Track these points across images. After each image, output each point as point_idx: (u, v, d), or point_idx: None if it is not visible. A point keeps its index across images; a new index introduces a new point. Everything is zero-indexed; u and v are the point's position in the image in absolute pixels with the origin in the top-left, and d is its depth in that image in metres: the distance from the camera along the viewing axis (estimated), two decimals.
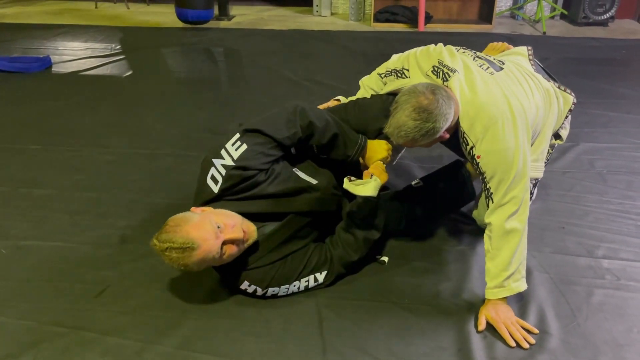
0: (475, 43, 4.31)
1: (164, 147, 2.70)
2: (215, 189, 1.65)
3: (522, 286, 1.61)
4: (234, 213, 1.62)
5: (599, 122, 2.91)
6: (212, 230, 1.51)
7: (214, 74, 3.84)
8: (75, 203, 2.24)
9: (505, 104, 1.59)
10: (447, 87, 1.64)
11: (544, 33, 4.69)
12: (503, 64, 1.75)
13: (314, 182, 1.76)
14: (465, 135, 1.61)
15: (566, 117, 1.87)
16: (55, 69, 3.87)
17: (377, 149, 1.81)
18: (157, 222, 2.06)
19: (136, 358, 1.53)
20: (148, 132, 2.87)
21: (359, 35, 4.71)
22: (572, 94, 1.85)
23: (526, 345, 1.52)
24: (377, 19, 5.05)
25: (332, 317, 1.65)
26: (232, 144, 1.66)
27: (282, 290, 1.71)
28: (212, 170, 1.65)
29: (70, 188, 2.34)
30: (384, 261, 1.87)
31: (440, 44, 1.81)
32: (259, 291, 1.68)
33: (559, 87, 1.84)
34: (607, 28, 4.88)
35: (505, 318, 1.58)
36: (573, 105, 1.85)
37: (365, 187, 1.67)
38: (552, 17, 5.14)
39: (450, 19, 5.13)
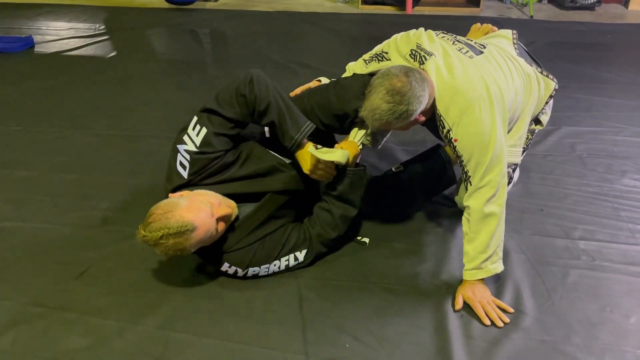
0: (462, 26, 4.29)
1: (147, 129, 2.68)
2: (185, 174, 1.66)
3: (499, 268, 1.64)
4: (213, 192, 1.64)
5: (582, 106, 2.93)
6: (206, 209, 1.52)
7: (199, 56, 3.80)
8: (56, 185, 2.23)
9: (482, 87, 1.59)
10: (422, 69, 1.64)
11: (531, 17, 4.68)
12: (484, 47, 1.75)
13: (287, 160, 1.77)
14: (442, 118, 1.62)
15: (547, 102, 1.85)
16: (37, 49, 3.81)
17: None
18: (139, 203, 2.08)
19: (117, 338, 1.54)
20: (131, 114, 2.84)
21: (347, 18, 4.67)
22: (554, 79, 1.83)
23: (500, 324, 1.56)
24: (365, 0, 5.01)
25: (312, 297, 1.67)
26: (193, 129, 1.67)
27: (263, 270, 1.72)
28: (179, 157, 1.67)
29: (52, 170, 2.33)
30: (365, 242, 1.88)
31: (421, 29, 1.80)
32: (240, 272, 1.70)
33: (541, 72, 1.82)
34: (594, 12, 4.89)
35: (481, 298, 1.61)
36: (554, 91, 1.83)
37: (332, 154, 1.67)
38: (540, 1, 5.13)
39: (439, 2, 5.10)
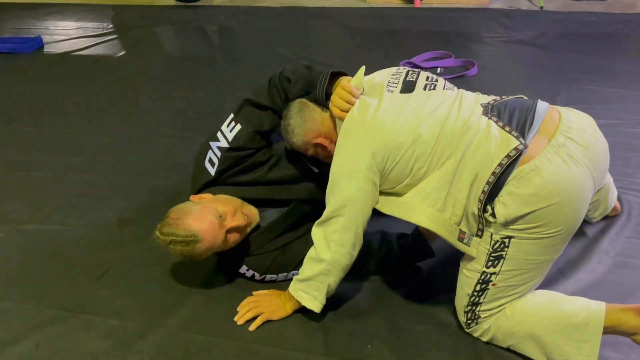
0: (471, 19, 4.29)
1: (160, 128, 2.68)
2: (212, 171, 1.65)
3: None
4: (233, 197, 1.63)
5: (596, 98, 2.89)
6: (214, 220, 1.51)
7: (208, 53, 3.79)
8: (72, 186, 2.23)
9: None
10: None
11: (541, 7, 4.63)
12: (433, 87, 1.53)
13: (316, 170, 1.75)
14: None
15: (502, 173, 1.33)
16: (47, 49, 3.81)
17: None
18: (156, 204, 2.09)
19: (139, 340, 1.54)
20: (143, 113, 2.84)
21: (355, 12, 4.64)
22: (521, 139, 1.33)
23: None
24: None
25: (333, 297, 1.64)
26: (227, 125, 1.67)
27: (280, 277, 1.72)
28: (210, 153, 1.66)
29: (67, 170, 2.33)
30: None
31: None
32: (257, 276, 1.70)
33: (502, 128, 1.38)
34: (604, 2, 4.82)
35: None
36: (515, 152, 1.31)
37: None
38: None
39: None
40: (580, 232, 1.88)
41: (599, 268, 1.75)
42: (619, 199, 2.00)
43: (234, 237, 1.57)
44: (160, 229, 1.51)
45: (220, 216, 1.53)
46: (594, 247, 1.84)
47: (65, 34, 4.09)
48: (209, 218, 1.51)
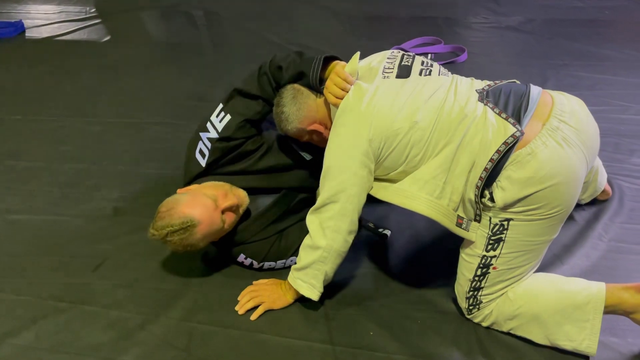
0: (459, 4, 4.28)
1: (150, 116, 2.64)
2: (203, 162, 1.65)
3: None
4: (221, 182, 1.63)
5: (585, 84, 2.92)
6: (208, 202, 1.50)
7: (195, 38, 3.72)
8: (64, 175, 2.19)
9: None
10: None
11: None
12: (429, 72, 1.53)
13: (308, 157, 1.75)
14: None
15: (500, 160, 1.34)
16: (28, 34, 3.71)
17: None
18: (150, 193, 2.06)
19: (140, 331, 1.53)
20: (133, 101, 2.79)
21: None
22: (518, 126, 1.35)
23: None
24: None
25: (334, 284, 1.65)
26: (217, 116, 1.66)
27: (279, 264, 1.72)
28: (200, 144, 1.65)
29: (57, 159, 2.29)
30: (386, 234, 1.86)
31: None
32: (255, 264, 1.69)
33: (499, 115, 1.39)
34: None
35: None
36: (513, 139, 1.33)
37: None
38: None
39: None
40: (574, 218, 1.92)
41: (593, 253, 1.78)
42: (610, 184, 2.04)
43: (230, 218, 1.56)
44: (154, 225, 1.49)
45: (215, 197, 1.52)
46: (588, 232, 1.87)
47: (47, 18, 3.98)
48: (202, 201, 1.50)
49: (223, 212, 1.53)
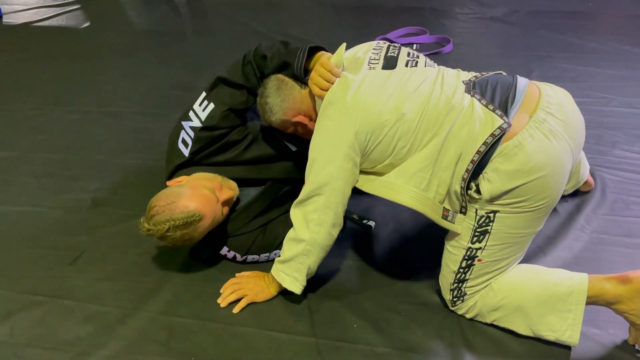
0: None
1: (130, 105, 2.59)
2: (186, 152, 1.62)
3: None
4: (213, 174, 1.60)
5: (568, 76, 2.93)
6: (210, 195, 1.48)
7: (178, 26, 3.67)
8: (40, 165, 2.14)
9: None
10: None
11: None
12: (415, 63, 1.51)
13: (294, 148, 1.72)
14: None
15: (487, 152, 1.33)
16: (5, 19, 3.62)
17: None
18: (130, 184, 2.03)
19: (120, 325, 1.50)
20: (112, 89, 2.73)
21: None
22: (505, 118, 1.34)
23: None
24: None
25: (317, 277, 1.63)
26: (200, 104, 1.62)
27: (262, 257, 1.70)
28: (182, 134, 1.62)
29: (34, 149, 2.23)
30: (370, 226, 1.85)
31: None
32: (239, 257, 1.67)
33: (486, 106, 1.38)
34: None
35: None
36: (500, 130, 1.32)
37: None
38: None
39: None
40: (556, 210, 1.92)
41: (576, 245, 1.79)
42: (592, 175, 2.04)
43: (225, 210, 1.55)
44: (149, 221, 1.43)
45: (213, 190, 1.50)
46: (570, 224, 1.87)
47: (24, 3, 3.89)
48: (205, 194, 1.47)
49: (222, 204, 1.52)
